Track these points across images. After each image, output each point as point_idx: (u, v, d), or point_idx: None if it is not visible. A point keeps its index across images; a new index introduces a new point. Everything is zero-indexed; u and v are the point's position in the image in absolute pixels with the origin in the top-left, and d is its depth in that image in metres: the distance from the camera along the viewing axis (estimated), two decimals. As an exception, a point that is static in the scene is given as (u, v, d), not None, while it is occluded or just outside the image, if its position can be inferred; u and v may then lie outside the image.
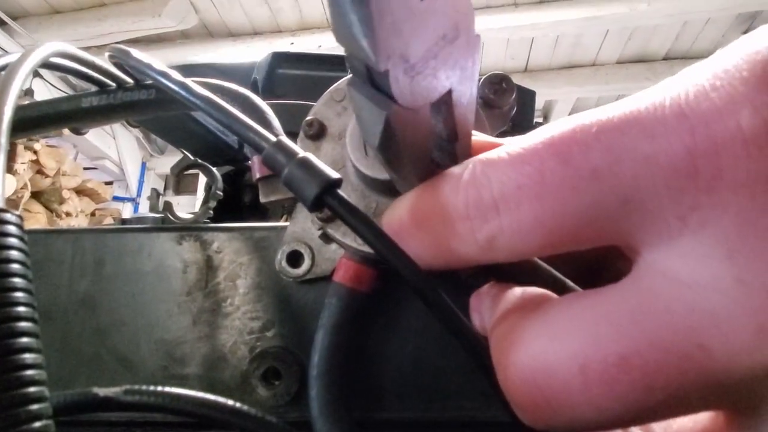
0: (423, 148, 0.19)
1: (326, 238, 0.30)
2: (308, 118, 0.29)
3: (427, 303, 0.20)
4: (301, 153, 0.21)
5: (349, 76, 0.17)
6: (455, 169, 0.18)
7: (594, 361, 0.14)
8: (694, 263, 0.13)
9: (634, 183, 0.14)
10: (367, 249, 0.27)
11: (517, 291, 0.19)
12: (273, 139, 0.21)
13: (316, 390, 0.27)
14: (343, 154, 0.28)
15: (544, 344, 0.15)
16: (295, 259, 0.32)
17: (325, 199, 0.20)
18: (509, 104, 0.29)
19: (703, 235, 0.13)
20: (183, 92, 0.24)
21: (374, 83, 0.15)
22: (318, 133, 0.29)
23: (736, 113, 0.12)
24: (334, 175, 0.20)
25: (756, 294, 0.12)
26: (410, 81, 0.15)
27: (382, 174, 0.25)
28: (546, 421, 0.15)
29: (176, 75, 0.26)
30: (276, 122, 0.39)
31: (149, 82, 0.34)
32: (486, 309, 0.21)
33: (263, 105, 0.38)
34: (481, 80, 0.30)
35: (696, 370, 0.13)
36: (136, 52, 0.28)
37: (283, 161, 0.21)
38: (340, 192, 0.20)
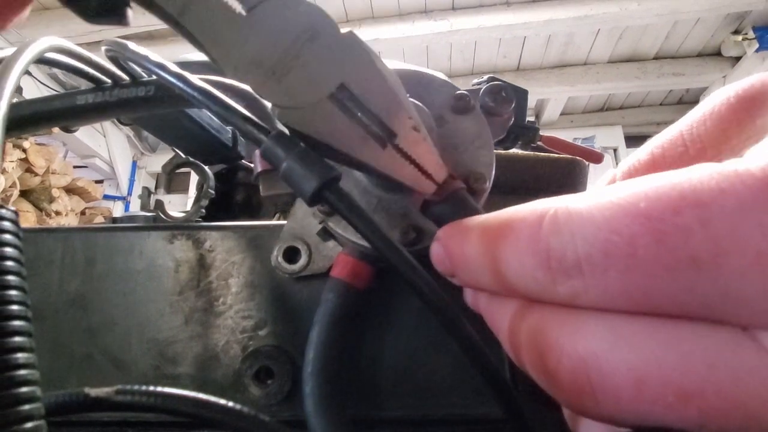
0: (352, 139, 0.19)
1: (324, 235, 0.30)
2: None
3: (424, 300, 0.20)
4: (301, 146, 0.20)
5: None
6: (530, 212, 0.16)
7: (653, 383, 0.13)
8: None
9: (738, 278, 0.12)
10: (365, 244, 0.27)
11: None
12: (271, 131, 0.21)
13: (310, 386, 0.27)
14: None
15: (606, 344, 0.14)
16: (291, 255, 0.32)
17: (325, 193, 0.20)
18: (508, 113, 0.30)
19: None
20: (181, 85, 0.24)
21: (261, 111, 0.18)
22: None
23: None
24: (334, 169, 0.20)
25: None
26: (279, 82, 0.17)
27: None
28: (586, 410, 0.15)
29: (174, 67, 0.25)
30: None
31: (146, 78, 0.33)
32: (497, 301, 0.20)
33: (264, 102, 0.38)
34: (482, 90, 0.30)
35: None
36: (133, 45, 0.28)
37: (282, 155, 0.20)
38: (340, 186, 0.20)
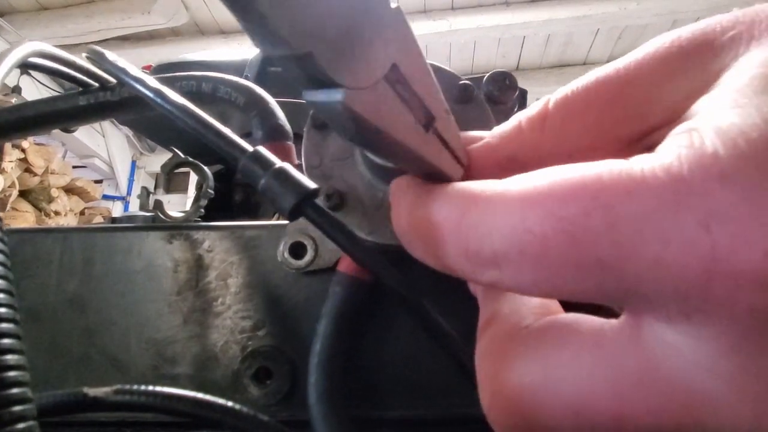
0: (405, 125, 0.18)
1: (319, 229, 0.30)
2: None
3: (408, 308, 0.20)
4: (278, 164, 0.21)
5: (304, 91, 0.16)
6: (459, 196, 0.17)
7: (589, 413, 0.14)
8: (696, 343, 0.13)
9: (638, 280, 0.13)
10: (371, 239, 0.27)
11: (514, 297, 0.19)
12: (249, 149, 0.21)
13: (315, 377, 0.27)
14: (350, 145, 0.28)
15: (538, 378, 0.15)
16: (298, 250, 0.32)
17: (303, 208, 0.20)
18: (512, 101, 0.30)
19: (708, 330, 0.13)
20: (159, 101, 0.24)
21: (317, 81, 0.15)
22: (325, 123, 0.29)
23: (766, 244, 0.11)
24: (311, 185, 0.20)
25: (756, 384, 0.12)
26: (340, 58, 0.15)
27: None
28: None
29: (152, 81, 0.25)
30: (279, 111, 0.39)
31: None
32: (482, 300, 0.21)
33: (266, 95, 0.38)
34: (485, 78, 0.30)
35: None
36: (111, 55, 0.28)
37: (260, 172, 0.21)
38: (318, 202, 0.21)
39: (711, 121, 0.13)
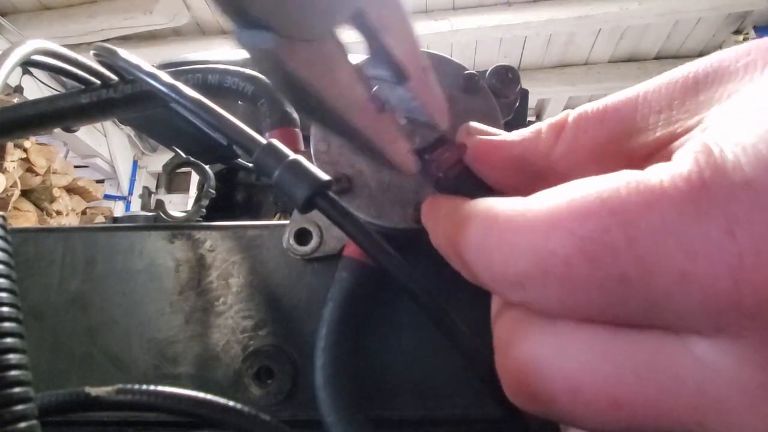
0: (352, 92, 0.16)
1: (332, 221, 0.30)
2: None
3: (418, 303, 0.20)
4: (291, 156, 0.21)
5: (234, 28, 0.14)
6: (480, 218, 0.17)
7: (586, 392, 0.14)
8: (721, 355, 0.13)
9: (666, 296, 0.13)
10: (379, 223, 0.27)
11: None
12: (263, 142, 0.21)
13: (322, 361, 0.27)
14: None
15: (546, 354, 0.15)
16: (303, 237, 0.32)
17: (316, 200, 0.20)
18: (515, 94, 0.30)
19: (739, 342, 0.12)
20: (172, 94, 0.24)
21: (253, 22, 0.13)
22: None
23: None
24: (324, 177, 0.20)
25: None
26: (284, 3, 0.12)
27: None
28: (528, 406, 0.16)
29: (165, 76, 0.25)
30: (285, 99, 0.39)
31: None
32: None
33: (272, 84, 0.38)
34: (488, 71, 0.30)
35: None
36: (123, 52, 0.28)
37: (274, 164, 0.21)
38: (330, 194, 0.21)
39: (728, 132, 0.13)
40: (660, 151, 0.17)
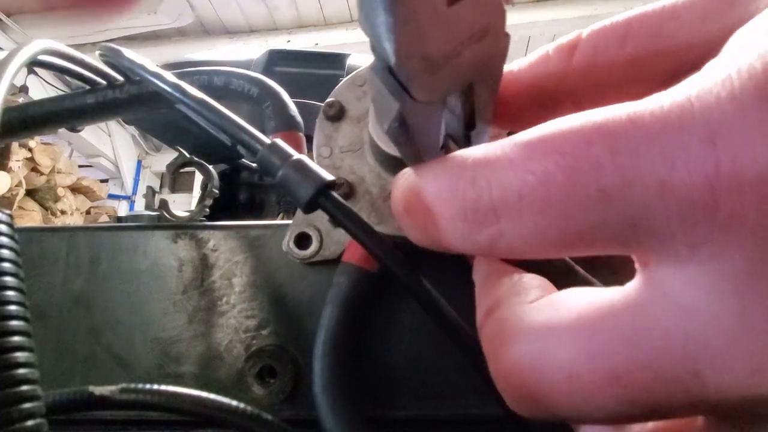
0: (434, 137, 0.18)
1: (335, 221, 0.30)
2: (329, 99, 0.30)
3: (421, 303, 0.20)
4: (295, 155, 0.21)
5: (372, 60, 0.16)
6: (450, 163, 0.16)
7: (583, 373, 0.14)
8: (698, 292, 0.12)
9: (644, 209, 0.13)
10: (379, 230, 0.27)
11: (515, 278, 0.19)
12: (267, 141, 0.22)
13: (320, 366, 0.27)
14: (360, 137, 0.29)
15: (537, 346, 0.15)
16: (302, 241, 0.32)
17: (320, 200, 0.20)
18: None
19: (712, 267, 0.12)
20: (177, 94, 0.24)
21: (393, 73, 0.15)
22: (337, 115, 0.29)
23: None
24: (328, 177, 0.20)
25: (757, 335, 0.12)
26: (429, 77, 0.15)
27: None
28: (530, 411, 0.16)
29: (170, 76, 0.26)
30: (291, 102, 0.40)
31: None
32: (481, 291, 0.21)
33: (278, 87, 0.38)
34: None
35: (684, 393, 0.13)
36: (128, 52, 0.28)
37: (278, 163, 0.21)
38: (334, 194, 0.21)
39: (732, 51, 0.13)
40: (687, 73, 0.15)
